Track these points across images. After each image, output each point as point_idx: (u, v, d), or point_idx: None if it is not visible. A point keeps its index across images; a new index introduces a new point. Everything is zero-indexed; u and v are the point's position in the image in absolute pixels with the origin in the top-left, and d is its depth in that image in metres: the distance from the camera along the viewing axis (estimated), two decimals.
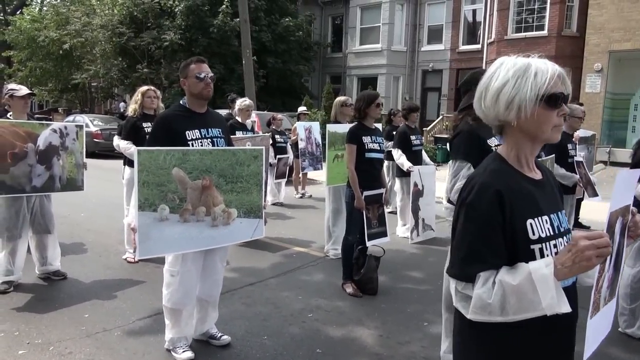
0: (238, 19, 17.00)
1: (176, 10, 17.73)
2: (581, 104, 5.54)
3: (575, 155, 4.74)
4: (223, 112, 11.85)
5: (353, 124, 4.24)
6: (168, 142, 2.89)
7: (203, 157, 2.94)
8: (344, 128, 5.02)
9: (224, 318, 3.53)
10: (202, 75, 2.94)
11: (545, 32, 16.08)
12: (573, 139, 4.94)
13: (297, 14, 20.60)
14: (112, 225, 6.38)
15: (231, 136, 5.49)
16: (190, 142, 2.95)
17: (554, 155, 4.06)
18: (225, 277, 3.48)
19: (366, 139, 4.05)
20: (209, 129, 3.05)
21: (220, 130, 3.14)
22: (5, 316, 3.59)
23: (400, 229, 6.27)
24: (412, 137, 5.98)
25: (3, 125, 3.85)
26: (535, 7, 16.46)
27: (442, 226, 6.60)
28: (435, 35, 20.30)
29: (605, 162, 14.45)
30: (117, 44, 18.21)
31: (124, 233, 5.33)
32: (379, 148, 4.11)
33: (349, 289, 4.20)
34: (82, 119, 15.70)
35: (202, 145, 3.00)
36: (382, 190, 4.23)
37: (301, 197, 8.97)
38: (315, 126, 8.51)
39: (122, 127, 4.99)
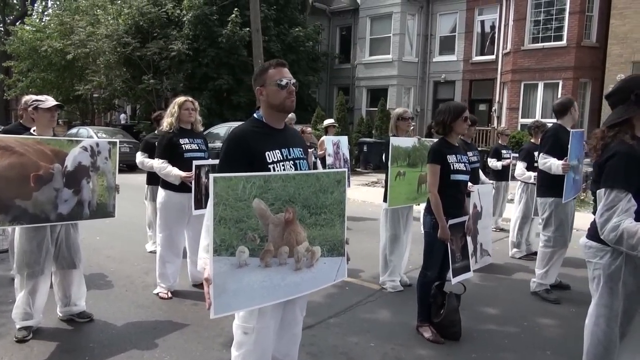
0: (247, 29, 16.53)
1: (184, 19, 17.20)
2: None
3: None
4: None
5: (436, 141, 3.66)
6: (246, 166, 2.29)
7: (286, 185, 2.34)
8: (407, 142, 4.45)
9: None
10: (284, 83, 2.35)
11: (564, 43, 15.66)
12: None
13: (306, 24, 20.13)
14: (134, 251, 5.75)
15: None
16: (270, 166, 2.36)
17: None
18: None
19: (451, 158, 3.47)
20: (290, 149, 2.46)
21: (301, 150, 2.55)
22: None
23: None
24: (469, 154, 5.41)
25: (27, 142, 3.25)
26: (554, 17, 16.06)
27: (498, 251, 6.03)
28: (447, 45, 19.87)
29: None
30: (122, 54, 17.65)
31: (151, 261, 4.73)
32: (465, 169, 3.53)
33: (427, 333, 3.58)
34: (87, 131, 15.10)
35: (284, 169, 2.41)
36: (466, 218, 3.63)
37: None
38: (344, 141, 7.96)
39: (157, 143, 4.39)
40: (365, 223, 8.04)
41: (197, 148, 4.34)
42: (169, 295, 4.31)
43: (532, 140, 6.03)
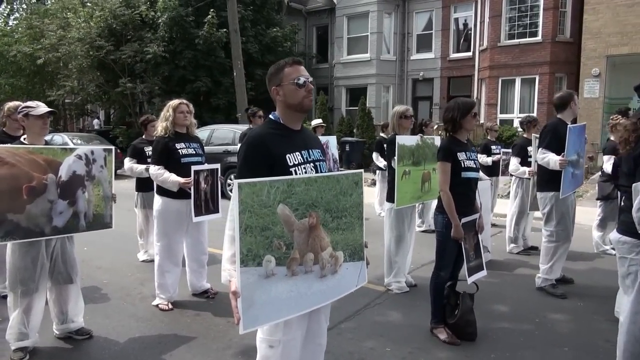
0: (224, 30, 16.28)
1: (159, 21, 16.82)
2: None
3: None
4: (238, 127, 11.09)
5: (444, 138, 3.58)
6: (266, 171, 2.16)
7: (309, 188, 2.22)
8: (411, 140, 4.37)
9: None
10: (301, 81, 2.22)
11: (539, 39, 15.91)
12: None
13: (282, 24, 19.96)
14: (125, 261, 5.53)
15: None
16: (292, 169, 2.24)
17: None
18: None
19: (461, 156, 3.40)
20: (310, 151, 2.34)
21: (319, 151, 2.43)
22: None
23: None
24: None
25: (18, 152, 3.04)
26: (528, 13, 16.30)
27: (495, 247, 6.03)
28: (424, 43, 19.99)
29: None
30: (95, 58, 17.14)
31: (145, 271, 4.54)
32: (475, 166, 3.47)
33: (443, 335, 3.51)
34: (61, 137, 14.60)
35: (305, 172, 2.29)
36: (477, 216, 3.57)
37: None
38: (332, 141, 7.86)
39: (153, 148, 4.20)
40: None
41: (194, 152, 4.18)
42: (170, 306, 4.14)
43: (525, 135, 6.04)
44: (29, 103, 3.25)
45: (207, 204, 4.15)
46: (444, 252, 3.50)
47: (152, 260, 5.55)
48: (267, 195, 2.05)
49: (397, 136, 4.28)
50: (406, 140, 4.30)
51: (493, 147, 7.20)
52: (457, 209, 3.36)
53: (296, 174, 2.22)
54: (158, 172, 4.02)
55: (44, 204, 3.17)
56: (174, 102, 4.17)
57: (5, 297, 4.23)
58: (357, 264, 2.49)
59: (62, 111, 23.03)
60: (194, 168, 4.00)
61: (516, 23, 16.53)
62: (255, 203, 2.01)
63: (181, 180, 3.94)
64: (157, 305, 4.17)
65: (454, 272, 3.58)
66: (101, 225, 3.56)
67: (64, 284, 3.46)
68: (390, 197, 4.42)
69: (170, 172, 4.01)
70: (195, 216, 4.04)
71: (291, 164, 2.21)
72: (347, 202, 2.42)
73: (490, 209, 6.36)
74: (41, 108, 3.22)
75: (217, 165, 4.27)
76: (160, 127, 4.14)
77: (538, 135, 5.61)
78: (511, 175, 6.23)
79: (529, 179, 5.63)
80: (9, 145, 3.18)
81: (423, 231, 7.19)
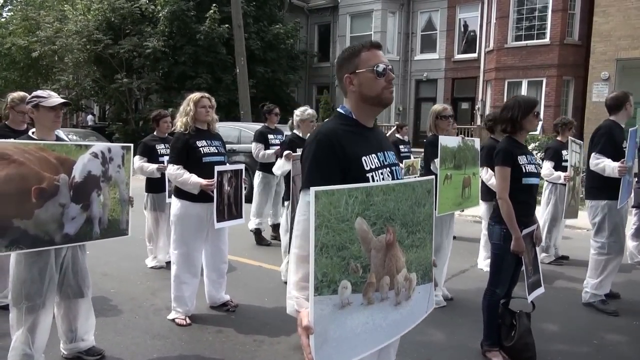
0: (226, 25, 15.88)
1: (159, 15, 16.36)
2: None
3: None
4: (244, 125, 10.65)
5: (502, 140, 3.23)
6: (339, 176, 1.79)
7: (387, 198, 1.85)
8: (454, 142, 4.02)
9: None
10: (381, 69, 1.84)
11: (547, 41, 15.66)
12: None
13: (284, 21, 19.56)
14: (133, 268, 5.13)
15: (294, 154, 4.43)
16: (369, 175, 1.86)
17: None
18: None
19: (522, 160, 3.05)
20: (386, 153, 1.96)
21: (394, 154, 2.06)
22: None
23: (483, 262, 5.29)
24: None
25: (28, 148, 2.64)
26: (536, 15, 16.05)
27: None
28: (428, 44, 19.69)
29: None
30: (92, 52, 16.65)
31: (155, 279, 4.17)
32: (536, 171, 3.12)
33: (498, 359, 3.16)
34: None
35: (382, 179, 1.92)
36: (536, 226, 3.22)
37: None
38: None
39: (171, 146, 3.80)
40: None
41: (216, 151, 3.80)
42: (187, 321, 3.74)
43: (559, 138, 5.70)
44: (39, 93, 2.85)
45: (230, 209, 3.77)
46: (501, 268, 3.14)
47: (162, 267, 5.20)
48: (345, 207, 1.67)
49: (440, 137, 3.91)
50: (449, 141, 3.94)
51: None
52: (517, 218, 3.01)
53: (373, 180, 1.85)
54: (177, 173, 3.62)
55: (55, 208, 2.78)
56: (195, 95, 3.78)
57: (5, 307, 3.85)
58: (427, 287, 2.13)
59: None
60: (217, 168, 3.61)
61: (524, 24, 16.27)
62: (332, 216, 1.63)
63: (203, 182, 3.56)
64: (173, 320, 3.77)
65: (509, 289, 3.23)
66: (116, 233, 3.17)
67: (73, 298, 3.06)
68: None
69: (190, 172, 3.63)
70: (218, 222, 3.66)
71: (367, 168, 1.83)
72: (421, 215, 2.05)
73: None
74: (54, 98, 2.82)
75: (242, 166, 3.89)
76: (179, 122, 3.76)
77: (574, 139, 5.33)
78: (544, 180, 5.89)
79: (564, 184, 5.30)
80: (17, 140, 2.77)
81: None
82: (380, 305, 1.84)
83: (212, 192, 3.59)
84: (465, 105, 19.20)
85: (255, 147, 5.98)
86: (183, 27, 16.46)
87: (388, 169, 1.93)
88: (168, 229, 5.26)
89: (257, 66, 17.12)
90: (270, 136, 6.05)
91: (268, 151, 5.91)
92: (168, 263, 5.30)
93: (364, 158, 1.83)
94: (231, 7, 14.30)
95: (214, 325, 3.75)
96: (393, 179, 1.96)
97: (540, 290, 3.25)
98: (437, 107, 4.26)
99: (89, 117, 25.97)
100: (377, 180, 1.85)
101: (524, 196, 3.07)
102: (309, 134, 4.77)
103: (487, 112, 17.50)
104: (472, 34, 18.77)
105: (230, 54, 16.45)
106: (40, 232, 2.74)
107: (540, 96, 16.01)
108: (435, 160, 3.90)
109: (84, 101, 22.28)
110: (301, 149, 4.59)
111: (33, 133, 2.88)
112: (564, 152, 5.43)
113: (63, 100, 2.84)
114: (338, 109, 1.95)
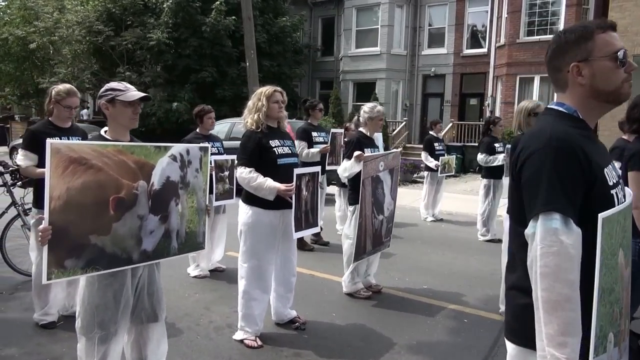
0: (232, 17, 15.36)
1: (164, 6, 15.76)
2: None
3: None
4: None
5: (633, 141, 2.85)
6: (583, 192, 1.37)
7: (625, 222, 1.47)
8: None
9: None
10: (622, 56, 1.42)
11: None
12: None
13: (289, 14, 19.06)
14: (176, 277, 4.69)
15: (365, 155, 4.03)
16: (613, 192, 1.45)
17: None
18: None
19: None
20: (611, 165, 1.56)
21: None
22: None
23: None
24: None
25: (105, 151, 2.19)
26: (549, 9, 15.76)
27: None
28: (436, 38, 19.32)
29: None
30: (92, 44, 16.00)
31: (203, 291, 3.72)
32: None
33: None
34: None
35: (617, 199, 1.51)
36: None
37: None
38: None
39: (241, 146, 3.34)
40: (408, 230, 7.21)
41: (290, 152, 3.38)
42: (259, 342, 3.32)
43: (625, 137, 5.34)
44: (114, 85, 2.39)
45: (307, 216, 3.36)
46: (636, 286, 2.76)
47: (206, 276, 4.77)
48: (615, 236, 1.29)
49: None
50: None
51: (497, 145, 6.48)
52: None
53: (617, 198, 1.44)
54: (251, 177, 3.19)
55: (133, 220, 2.34)
56: (267, 89, 3.36)
57: (46, 326, 3.44)
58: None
59: None
60: (296, 171, 3.19)
61: (536, 19, 15.97)
62: (609, 250, 1.24)
63: (282, 186, 3.13)
64: (241, 341, 3.35)
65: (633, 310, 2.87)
66: (193, 247, 2.72)
67: (147, 323, 2.63)
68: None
69: (264, 175, 3.20)
70: (296, 231, 3.24)
71: (611, 183, 1.43)
72: (627, 237, 1.65)
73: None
74: (132, 92, 2.37)
75: (318, 168, 3.46)
76: (249, 119, 3.33)
77: None
78: None
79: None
80: (95, 142, 2.32)
81: (488, 240, 6.49)
82: None
83: (291, 197, 3.17)
84: (473, 101, 18.90)
85: (298, 146, 5.55)
86: (188, 19, 15.89)
87: (620, 187, 1.51)
88: (211, 235, 4.84)
89: (263, 60, 16.60)
90: (314, 133, 5.62)
91: (312, 150, 5.48)
92: (212, 272, 4.90)
93: (605, 170, 1.42)
94: None
95: (288, 347, 3.33)
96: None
97: None
98: (529, 104, 3.87)
99: (84, 111, 25.21)
100: (619, 199, 1.45)
101: None
102: (375, 133, 4.38)
103: (497, 108, 17.24)
104: (482, 28, 18.44)
105: (236, 47, 15.93)
106: (118, 249, 2.30)
107: (553, 92, 15.75)
108: None
109: (80, 95, 21.60)
110: (369, 149, 4.16)
111: (105, 132, 2.43)
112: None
113: (142, 94, 2.38)
114: (553, 106, 1.53)
